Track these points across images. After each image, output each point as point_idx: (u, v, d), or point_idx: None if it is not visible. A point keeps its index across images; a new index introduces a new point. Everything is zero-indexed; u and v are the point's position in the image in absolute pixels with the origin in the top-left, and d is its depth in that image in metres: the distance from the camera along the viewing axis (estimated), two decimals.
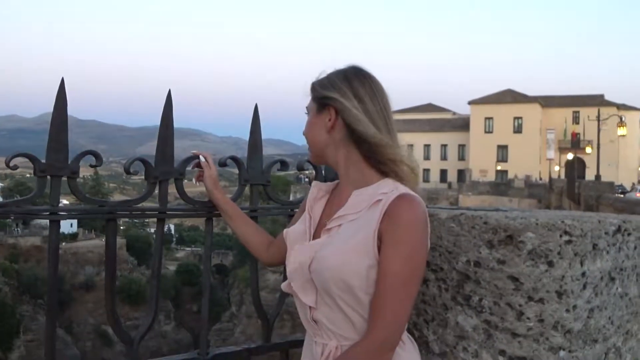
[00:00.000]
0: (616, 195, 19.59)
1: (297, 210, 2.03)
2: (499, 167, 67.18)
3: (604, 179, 33.85)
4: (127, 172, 1.80)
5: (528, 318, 1.61)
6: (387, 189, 1.58)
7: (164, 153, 1.86)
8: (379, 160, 1.62)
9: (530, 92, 71.41)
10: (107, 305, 1.81)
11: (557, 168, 60.83)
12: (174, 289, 52.01)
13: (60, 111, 1.67)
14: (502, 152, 68.38)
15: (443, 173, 72.22)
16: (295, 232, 1.71)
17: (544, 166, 64.84)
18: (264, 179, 2.10)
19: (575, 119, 66.95)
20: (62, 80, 1.66)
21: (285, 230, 1.75)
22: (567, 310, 1.60)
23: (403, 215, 1.51)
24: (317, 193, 1.76)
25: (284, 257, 1.74)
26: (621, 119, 33.93)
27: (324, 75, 1.71)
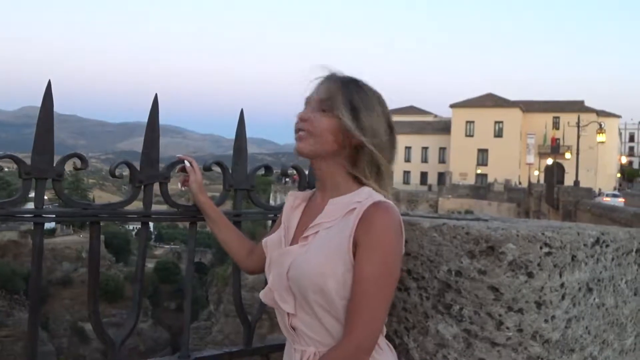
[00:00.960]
0: (594, 201, 19.79)
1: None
2: (479, 171, 67.60)
3: (582, 184, 34.12)
4: (113, 175, 1.80)
5: (507, 328, 1.63)
6: (362, 197, 1.60)
7: (149, 157, 1.87)
8: (371, 174, 1.65)
9: (512, 97, 72.11)
10: (89, 307, 1.81)
11: (536, 173, 61.29)
12: (152, 287, 51.79)
13: (47, 113, 1.67)
14: (483, 155, 68.80)
15: (423, 175, 72.53)
16: (272, 241, 1.73)
17: (524, 170, 65.34)
18: (248, 184, 2.11)
19: (556, 124, 67.50)
20: (49, 83, 1.66)
21: (264, 240, 1.76)
22: (546, 321, 1.63)
23: (377, 222, 1.53)
24: (293, 202, 1.78)
25: (263, 265, 1.76)
26: (601, 125, 34.21)
27: (328, 72, 1.70)
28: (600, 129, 33.71)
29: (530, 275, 1.61)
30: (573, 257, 1.70)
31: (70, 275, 46.79)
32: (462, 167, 67.36)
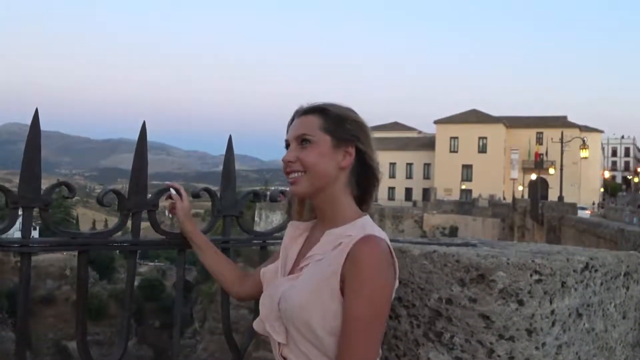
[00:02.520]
0: (578, 216, 19.92)
1: (270, 241, 2.05)
2: (463, 186, 67.90)
3: (566, 199, 34.41)
4: (101, 203, 1.79)
5: (499, 356, 1.63)
6: (354, 230, 1.59)
7: (137, 185, 1.86)
8: (370, 198, 1.67)
9: (495, 113, 72.58)
10: (77, 337, 1.79)
11: (520, 188, 61.68)
12: (136, 305, 51.37)
13: (34, 141, 1.66)
14: (467, 171, 69.16)
15: (408, 191, 72.74)
16: (269, 272, 1.72)
17: (508, 186, 65.72)
18: (236, 210, 2.10)
19: (539, 140, 68.00)
20: (36, 111, 1.65)
21: (262, 270, 1.75)
22: (537, 348, 1.63)
23: (364, 259, 1.52)
24: (294, 232, 1.77)
25: (256, 293, 1.75)
26: (584, 141, 34.55)
27: (320, 103, 1.71)
28: (584, 145, 34.02)
29: (520, 303, 1.61)
30: (563, 284, 1.70)
31: (53, 293, 46.29)
32: (447, 182, 67.65)
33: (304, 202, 1.75)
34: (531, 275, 1.62)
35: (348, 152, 1.65)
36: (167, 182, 1.96)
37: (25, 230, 1.64)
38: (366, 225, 1.62)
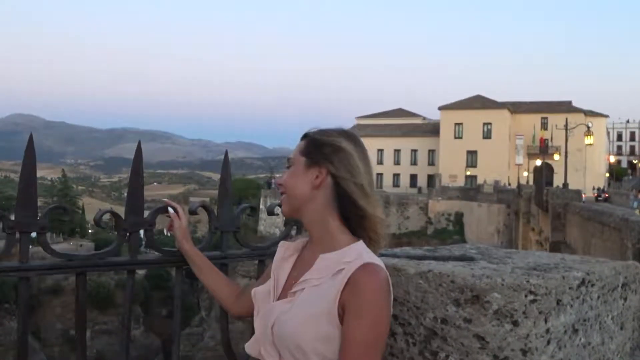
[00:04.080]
0: (583, 203, 19.89)
1: (267, 256, 2.06)
2: (468, 173, 67.74)
3: (571, 184, 34.31)
4: (98, 225, 1.80)
5: None
6: (352, 257, 1.59)
7: (133, 205, 1.86)
8: (359, 226, 1.65)
9: (500, 98, 72.16)
10: (77, 357, 1.80)
11: (525, 173, 61.52)
12: (143, 294, 51.52)
13: (29, 166, 1.66)
14: (472, 157, 68.95)
15: (413, 178, 72.66)
16: (262, 293, 1.73)
17: (513, 171, 65.57)
18: (234, 226, 2.11)
19: (544, 125, 67.79)
20: (31, 136, 1.65)
21: (253, 290, 1.76)
22: None
23: (366, 286, 1.53)
24: (284, 253, 1.78)
25: (251, 311, 1.76)
26: (588, 128, 34.40)
27: (319, 130, 1.72)
28: (588, 132, 33.89)
29: (515, 323, 1.62)
30: (558, 302, 1.71)
31: (61, 283, 46.48)
32: (452, 169, 67.51)
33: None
34: (526, 296, 1.62)
35: (320, 172, 1.66)
36: (164, 200, 1.97)
37: (22, 255, 1.65)
38: (363, 251, 1.62)
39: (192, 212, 2.06)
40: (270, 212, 2.22)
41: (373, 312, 1.53)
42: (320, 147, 1.67)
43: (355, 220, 1.66)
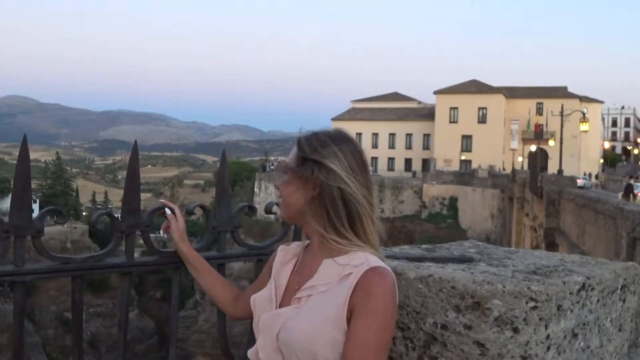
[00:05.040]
0: (577, 189, 19.92)
1: (265, 256, 2.04)
2: (463, 157, 67.79)
3: (566, 170, 34.38)
4: (94, 227, 1.78)
5: None
6: (358, 261, 1.58)
7: (130, 206, 1.84)
8: (358, 233, 1.63)
9: (495, 83, 72.07)
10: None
11: (520, 159, 61.60)
12: (137, 276, 51.65)
13: (24, 169, 1.64)
14: (467, 142, 68.96)
15: (408, 162, 72.69)
16: (261, 299, 1.71)
17: (508, 156, 65.65)
18: (232, 225, 2.09)
19: (539, 110, 67.76)
20: (25, 138, 1.62)
21: (252, 297, 1.74)
22: None
23: (376, 289, 1.53)
24: (283, 257, 1.76)
25: (250, 314, 1.75)
26: (584, 114, 34.39)
27: (309, 133, 1.69)
28: (584, 118, 33.89)
29: (515, 330, 1.61)
30: (559, 307, 1.70)
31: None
32: (446, 153, 67.51)
33: None
34: (527, 303, 1.61)
35: (314, 185, 1.63)
36: (161, 200, 1.94)
37: (17, 259, 1.63)
38: (369, 256, 1.61)
39: (190, 213, 2.03)
40: (268, 211, 2.21)
41: (382, 316, 1.53)
42: (310, 163, 1.62)
43: (353, 226, 1.64)
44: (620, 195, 21.68)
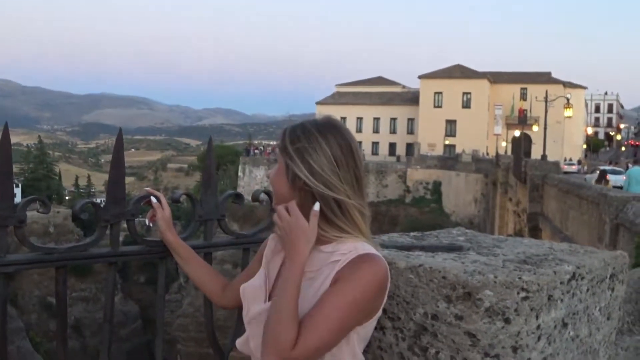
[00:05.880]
0: (561, 176, 20.02)
1: (252, 245, 2.02)
2: (447, 142, 67.96)
3: (549, 155, 34.54)
4: (77, 217, 1.73)
5: None
6: (346, 249, 1.57)
7: (114, 195, 1.80)
8: (347, 223, 1.61)
9: (480, 68, 72.17)
10: (59, 351, 1.75)
11: (504, 144, 61.84)
12: (121, 261, 51.36)
13: (5, 159, 1.59)
14: (451, 126, 69.12)
15: (392, 146, 72.78)
16: (251, 288, 1.68)
17: (491, 141, 65.89)
18: (218, 214, 2.06)
19: (523, 96, 67.97)
20: (6, 126, 1.58)
21: (241, 287, 1.71)
22: None
23: (364, 272, 1.53)
24: (274, 247, 1.74)
25: (238, 303, 1.73)
26: (568, 100, 34.50)
27: (297, 123, 1.67)
28: (568, 104, 34.02)
29: (507, 321, 1.59)
30: (549, 297, 1.69)
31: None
32: (431, 137, 67.64)
33: None
34: (518, 293, 1.60)
35: (297, 177, 1.61)
36: (146, 189, 1.91)
37: (0, 249, 1.58)
38: (358, 244, 1.60)
39: (176, 201, 2.00)
40: (255, 199, 2.18)
41: (357, 294, 1.51)
42: (295, 153, 1.60)
43: (340, 217, 1.61)
44: (593, 181, 22.18)
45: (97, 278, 46.89)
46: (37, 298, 44.84)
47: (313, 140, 1.60)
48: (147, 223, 1.90)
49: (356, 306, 1.52)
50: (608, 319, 2.06)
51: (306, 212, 1.58)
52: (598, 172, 24.80)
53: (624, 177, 23.23)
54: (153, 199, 1.88)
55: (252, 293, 1.67)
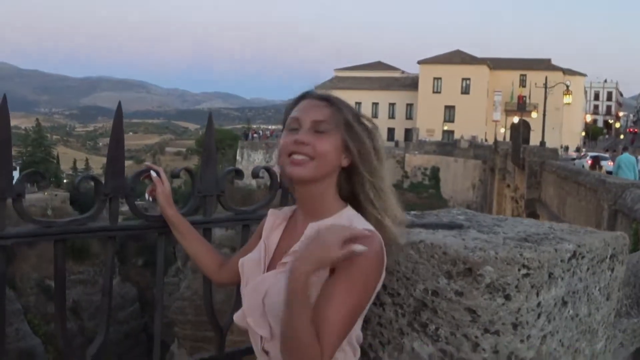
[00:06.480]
0: (559, 162, 20.02)
1: (251, 221, 2.01)
2: (445, 127, 67.93)
3: (548, 142, 34.52)
4: (76, 189, 1.72)
5: (483, 349, 1.61)
6: (343, 223, 1.55)
7: (114, 169, 1.79)
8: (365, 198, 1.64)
9: (479, 54, 72.03)
10: (57, 329, 1.75)
11: (502, 130, 61.81)
12: (119, 243, 51.46)
13: (4, 130, 1.58)
14: (450, 112, 69.07)
15: (390, 132, 72.68)
16: (250, 262, 1.68)
17: (490, 128, 65.85)
18: (218, 190, 2.05)
19: (522, 82, 67.87)
20: (4, 97, 1.56)
21: (240, 260, 1.71)
22: (522, 341, 1.62)
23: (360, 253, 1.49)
24: (273, 221, 1.73)
25: (235, 280, 1.72)
26: (567, 87, 34.45)
27: (332, 96, 1.68)
28: (567, 91, 33.95)
29: (507, 297, 1.59)
30: (550, 275, 1.68)
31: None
32: (429, 123, 67.60)
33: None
34: (519, 270, 1.59)
35: (350, 152, 1.62)
36: (146, 163, 1.90)
37: None
38: (353, 217, 1.59)
39: (175, 176, 1.99)
40: (255, 175, 2.16)
41: (361, 277, 1.50)
42: (355, 125, 1.62)
43: (358, 195, 1.65)
44: (588, 167, 22.71)
45: (95, 261, 46.97)
46: (35, 281, 44.89)
47: (369, 130, 1.65)
48: (146, 197, 1.89)
49: (359, 294, 1.51)
50: (607, 299, 2.05)
51: (333, 183, 1.63)
52: (588, 157, 25.38)
53: (610, 163, 24.07)
54: (153, 173, 1.87)
55: (251, 266, 1.66)
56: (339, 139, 1.60)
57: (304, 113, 1.62)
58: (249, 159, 62.54)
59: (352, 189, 1.66)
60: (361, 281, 1.50)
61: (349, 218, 1.59)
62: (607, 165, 23.96)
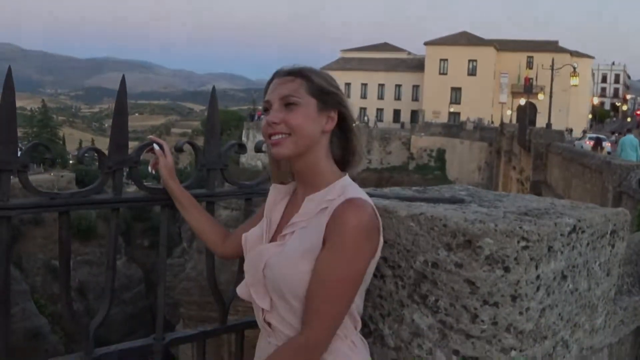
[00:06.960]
0: (565, 144, 19.97)
1: (254, 195, 2.03)
2: (452, 109, 67.63)
3: (554, 125, 34.37)
4: (80, 162, 1.74)
5: (482, 321, 1.63)
6: (335, 194, 1.58)
7: (117, 142, 1.80)
8: (349, 157, 1.69)
9: (486, 36, 71.61)
10: (62, 300, 1.77)
11: (509, 112, 61.56)
12: (125, 224, 51.60)
13: (8, 102, 1.59)
14: (456, 94, 68.72)
15: (396, 113, 72.43)
16: (253, 236, 1.70)
17: (496, 109, 65.56)
18: (221, 163, 2.06)
19: (529, 64, 67.41)
20: (9, 69, 1.57)
21: (243, 236, 1.73)
22: (520, 313, 1.64)
23: (347, 221, 1.52)
24: (275, 196, 1.75)
25: (240, 252, 1.74)
26: (574, 68, 34.26)
27: (306, 67, 1.68)
28: (574, 72, 33.77)
29: (506, 269, 1.61)
30: (550, 248, 1.69)
31: (41, 214, 46.37)
32: (435, 105, 67.31)
33: (279, 165, 1.73)
34: (518, 242, 1.61)
35: (331, 116, 1.64)
36: (150, 137, 1.91)
37: (3, 194, 1.59)
38: (347, 186, 1.61)
39: (178, 149, 2.00)
40: (259, 150, 2.17)
41: (353, 248, 1.52)
42: (329, 88, 1.64)
43: (351, 153, 1.68)
44: (590, 148, 23.00)
45: (101, 241, 47.15)
46: (42, 261, 45.17)
47: (340, 89, 1.68)
48: (149, 170, 1.90)
49: (352, 264, 1.53)
50: (608, 275, 2.07)
51: (325, 153, 1.65)
52: (587, 138, 25.76)
53: (608, 144, 24.60)
54: (156, 146, 1.89)
55: (253, 241, 1.68)
56: (313, 107, 1.62)
57: (272, 92, 1.65)
58: (255, 140, 62.18)
59: (344, 145, 1.70)
60: (352, 251, 1.52)
61: (343, 187, 1.61)
62: (605, 145, 24.63)
